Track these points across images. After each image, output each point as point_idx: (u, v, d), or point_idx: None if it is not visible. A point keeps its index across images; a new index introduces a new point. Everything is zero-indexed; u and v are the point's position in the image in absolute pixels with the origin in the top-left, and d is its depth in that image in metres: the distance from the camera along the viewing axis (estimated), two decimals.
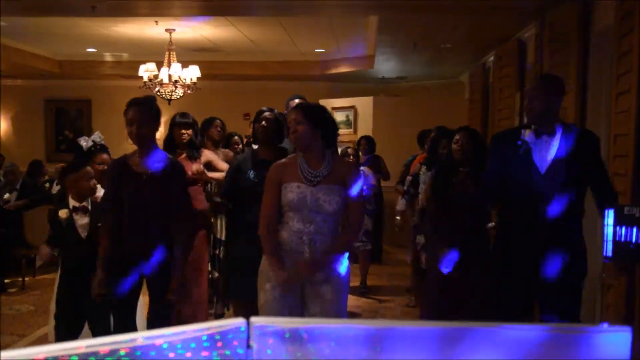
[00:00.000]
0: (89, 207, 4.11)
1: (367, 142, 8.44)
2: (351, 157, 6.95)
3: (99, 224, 3.92)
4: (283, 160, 3.42)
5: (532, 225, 3.37)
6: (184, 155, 4.85)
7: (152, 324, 3.77)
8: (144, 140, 3.67)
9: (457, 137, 4.53)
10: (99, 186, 4.27)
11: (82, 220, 4.08)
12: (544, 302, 3.50)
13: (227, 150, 5.85)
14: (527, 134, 3.37)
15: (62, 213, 4.04)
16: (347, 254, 3.36)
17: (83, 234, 4.06)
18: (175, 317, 4.27)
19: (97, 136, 4.88)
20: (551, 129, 3.39)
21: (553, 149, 3.38)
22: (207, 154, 5.03)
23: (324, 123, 3.32)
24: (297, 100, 4.66)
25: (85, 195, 4.12)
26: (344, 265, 3.32)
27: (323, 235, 3.23)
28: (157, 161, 3.70)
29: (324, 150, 3.31)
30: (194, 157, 4.88)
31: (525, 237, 3.40)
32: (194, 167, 4.74)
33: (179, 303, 4.39)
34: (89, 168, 4.18)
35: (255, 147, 4.50)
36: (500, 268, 3.58)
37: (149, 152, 3.70)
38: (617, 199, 3.39)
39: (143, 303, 4.15)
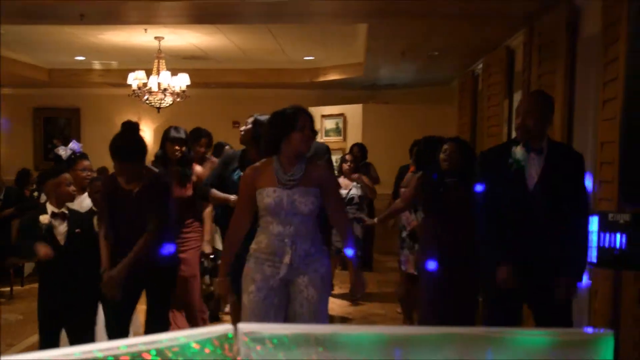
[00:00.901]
0: (68, 214, 4.11)
1: (360, 150, 8.56)
2: (349, 163, 7.01)
3: (77, 230, 3.99)
4: (257, 164, 3.46)
5: (521, 241, 3.38)
6: (176, 175, 4.79)
7: (150, 329, 3.93)
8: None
9: (445, 147, 4.58)
10: (85, 194, 4.33)
11: (60, 227, 4.06)
12: (537, 314, 3.52)
13: (216, 160, 5.83)
14: (518, 151, 3.38)
15: (44, 218, 4.01)
16: (326, 255, 3.45)
17: (62, 240, 4.05)
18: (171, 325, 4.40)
19: (74, 144, 4.86)
20: (539, 145, 3.40)
21: (540, 165, 3.38)
22: (197, 171, 5.03)
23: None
24: None
25: (64, 200, 4.12)
26: (325, 266, 3.41)
27: (302, 236, 3.31)
28: (143, 178, 3.87)
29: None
30: (185, 177, 4.85)
31: (515, 253, 3.39)
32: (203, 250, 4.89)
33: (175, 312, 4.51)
34: (67, 174, 4.18)
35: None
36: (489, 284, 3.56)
37: (137, 167, 3.87)
38: (586, 220, 3.41)
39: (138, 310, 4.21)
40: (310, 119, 3.46)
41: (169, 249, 3.98)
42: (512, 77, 6.71)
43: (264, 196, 3.29)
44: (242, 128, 4.35)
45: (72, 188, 4.14)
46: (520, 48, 6.30)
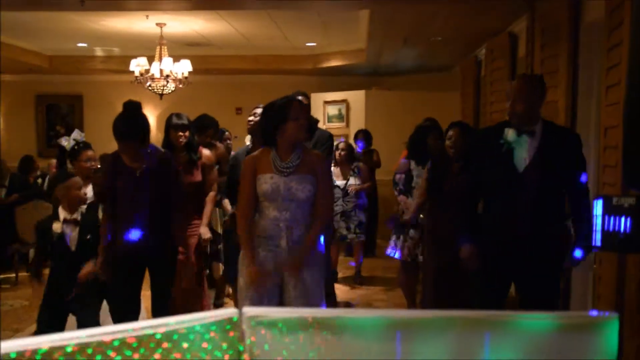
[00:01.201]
0: (79, 219, 4.12)
1: (365, 136, 8.75)
2: (341, 152, 7.02)
3: (88, 237, 4.01)
4: (255, 152, 3.61)
5: (510, 223, 3.40)
6: (183, 160, 4.77)
7: (155, 306, 4.01)
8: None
9: (450, 133, 4.67)
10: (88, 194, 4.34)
11: (72, 233, 4.09)
12: (523, 293, 3.55)
13: (219, 144, 5.84)
14: (510, 134, 3.40)
15: (56, 227, 4.06)
16: (322, 240, 3.60)
17: (73, 246, 4.08)
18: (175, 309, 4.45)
19: (77, 134, 4.86)
20: (532, 128, 3.42)
21: (532, 147, 3.40)
22: (205, 154, 4.99)
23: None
24: (300, 97, 4.78)
25: (76, 204, 4.13)
26: (319, 251, 3.55)
27: (297, 221, 3.44)
28: (149, 156, 3.87)
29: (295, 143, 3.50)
30: (192, 162, 4.82)
31: (504, 234, 3.44)
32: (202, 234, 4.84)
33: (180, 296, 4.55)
34: (77, 178, 4.18)
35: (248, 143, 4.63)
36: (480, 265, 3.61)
37: (140, 148, 3.86)
38: (587, 197, 3.45)
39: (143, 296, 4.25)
40: (304, 107, 3.54)
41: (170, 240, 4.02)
42: (515, 62, 6.68)
43: (261, 182, 3.43)
44: (251, 118, 4.43)
45: (82, 191, 4.15)
46: (523, 33, 6.27)
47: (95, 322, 4.08)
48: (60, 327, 4.11)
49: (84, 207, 4.24)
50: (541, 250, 3.36)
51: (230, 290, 6.32)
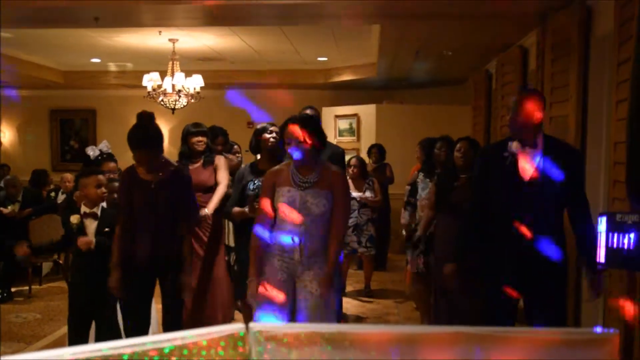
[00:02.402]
0: (99, 214, 4.21)
1: (378, 151, 8.90)
2: (354, 168, 7.06)
3: (106, 229, 4.09)
4: (276, 167, 3.70)
5: (515, 235, 3.40)
6: (199, 163, 4.94)
7: (165, 318, 4.08)
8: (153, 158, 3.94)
9: (459, 145, 4.78)
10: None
11: (91, 226, 4.20)
12: (531, 315, 3.55)
13: (232, 156, 5.90)
14: (515, 146, 3.44)
15: (74, 218, 4.16)
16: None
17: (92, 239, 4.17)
18: (198, 320, 4.70)
19: (104, 145, 4.99)
20: (533, 141, 3.45)
21: (535, 160, 3.43)
22: (218, 160, 5.13)
23: (318, 132, 3.59)
24: (308, 111, 4.90)
25: (93, 201, 4.23)
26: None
27: (312, 235, 3.49)
28: (163, 169, 3.97)
29: (316, 159, 3.57)
30: (209, 162, 5.02)
31: (509, 246, 3.45)
32: (203, 211, 4.83)
33: (201, 306, 4.62)
34: (100, 176, 4.29)
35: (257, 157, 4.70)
36: (485, 278, 3.62)
37: (156, 160, 3.96)
38: (588, 212, 3.46)
39: (156, 309, 4.28)
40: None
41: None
42: (526, 76, 6.69)
43: (279, 195, 3.51)
44: (271, 138, 4.46)
45: (101, 190, 4.22)
46: (533, 47, 6.28)
47: (114, 327, 4.19)
48: (87, 328, 4.25)
49: (104, 204, 4.35)
50: (546, 261, 3.38)
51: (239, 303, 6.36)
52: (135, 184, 3.95)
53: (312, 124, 3.56)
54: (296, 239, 3.47)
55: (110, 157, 4.94)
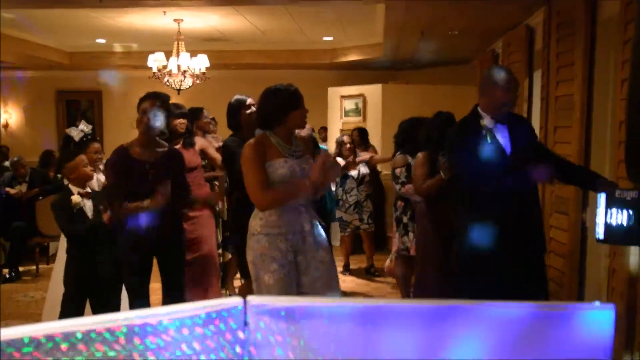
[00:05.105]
0: (91, 192, 4.36)
1: (359, 134, 8.36)
2: (348, 144, 7.12)
3: (102, 207, 4.23)
4: (252, 140, 3.50)
5: (506, 204, 3.47)
6: (179, 145, 4.97)
7: (165, 298, 4.10)
8: (151, 130, 3.93)
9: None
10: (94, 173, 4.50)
11: (88, 203, 4.28)
12: (515, 285, 3.59)
13: (217, 136, 5.96)
14: (487, 121, 3.56)
15: (76, 198, 4.20)
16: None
17: (91, 216, 4.29)
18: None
19: (84, 126, 4.98)
20: (504, 117, 3.59)
21: (507, 135, 3.57)
22: (200, 142, 5.26)
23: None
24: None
25: (85, 180, 4.35)
26: (323, 229, 3.60)
27: (310, 203, 3.53)
28: (158, 150, 4.00)
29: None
30: (189, 144, 5.06)
31: (499, 214, 3.49)
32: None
33: (193, 288, 4.64)
34: (82, 156, 4.36)
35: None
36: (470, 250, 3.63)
37: (151, 141, 3.96)
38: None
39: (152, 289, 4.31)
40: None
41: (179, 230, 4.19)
42: (532, 55, 6.65)
43: (276, 167, 3.38)
44: (250, 111, 4.50)
45: (89, 168, 4.31)
46: (539, 27, 6.23)
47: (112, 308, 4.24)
48: (82, 305, 4.29)
49: (93, 182, 4.47)
50: (534, 233, 3.46)
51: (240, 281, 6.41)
52: (128, 164, 3.94)
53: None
54: (302, 208, 3.45)
55: (94, 137, 4.99)
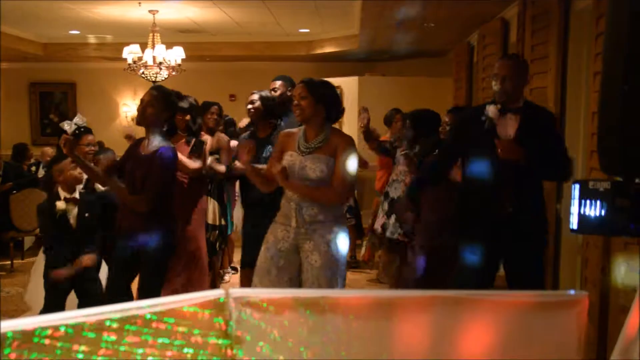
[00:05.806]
0: (78, 199, 4.23)
1: None
2: None
3: (87, 215, 4.10)
4: (289, 130, 3.73)
5: (493, 200, 3.48)
6: (183, 140, 4.84)
7: (141, 293, 3.97)
8: (148, 121, 3.89)
9: (446, 119, 4.81)
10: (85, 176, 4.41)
11: (73, 211, 4.20)
12: (510, 276, 3.63)
13: (222, 134, 5.73)
14: (491, 111, 3.48)
15: (60, 204, 4.15)
16: (340, 223, 3.56)
17: (74, 224, 4.19)
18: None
19: (79, 119, 4.93)
20: (516, 106, 3.53)
21: (515, 125, 3.51)
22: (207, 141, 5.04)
23: (327, 98, 3.54)
24: (278, 83, 4.89)
25: (73, 184, 4.24)
26: (334, 233, 3.48)
27: (309, 201, 3.45)
28: (153, 145, 3.90)
29: (324, 124, 3.53)
30: (188, 142, 4.87)
31: (487, 211, 3.53)
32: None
33: (182, 286, 4.58)
34: (69, 160, 4.26)
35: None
36: (463, 243, 3.68)
37: (150, 135, 3.91)
38: (568, 171, 3.61)
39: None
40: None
41: (163, 233, 3.94)
42: (507, 48, 6.71)
43: (284, 158, 3.53)
44: (250, 107, 4.61)
45: (77, 171, 4.22)
46: (514, 19, 6.30)
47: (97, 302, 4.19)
48: (62, 305, 4.22)
49: (81, 187, 4.39)
50: (524, 227, 3.46)
51: (226, 277, 6.44)
52: (132, 153, 3.97)
53: (314, 85, 3.54)
54: (292, 204, 3.47)
55: (87, 130, 4.91)
